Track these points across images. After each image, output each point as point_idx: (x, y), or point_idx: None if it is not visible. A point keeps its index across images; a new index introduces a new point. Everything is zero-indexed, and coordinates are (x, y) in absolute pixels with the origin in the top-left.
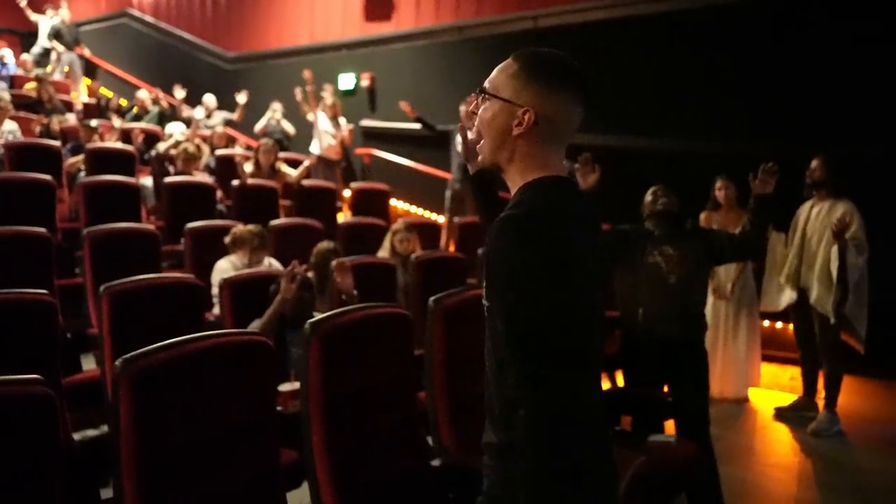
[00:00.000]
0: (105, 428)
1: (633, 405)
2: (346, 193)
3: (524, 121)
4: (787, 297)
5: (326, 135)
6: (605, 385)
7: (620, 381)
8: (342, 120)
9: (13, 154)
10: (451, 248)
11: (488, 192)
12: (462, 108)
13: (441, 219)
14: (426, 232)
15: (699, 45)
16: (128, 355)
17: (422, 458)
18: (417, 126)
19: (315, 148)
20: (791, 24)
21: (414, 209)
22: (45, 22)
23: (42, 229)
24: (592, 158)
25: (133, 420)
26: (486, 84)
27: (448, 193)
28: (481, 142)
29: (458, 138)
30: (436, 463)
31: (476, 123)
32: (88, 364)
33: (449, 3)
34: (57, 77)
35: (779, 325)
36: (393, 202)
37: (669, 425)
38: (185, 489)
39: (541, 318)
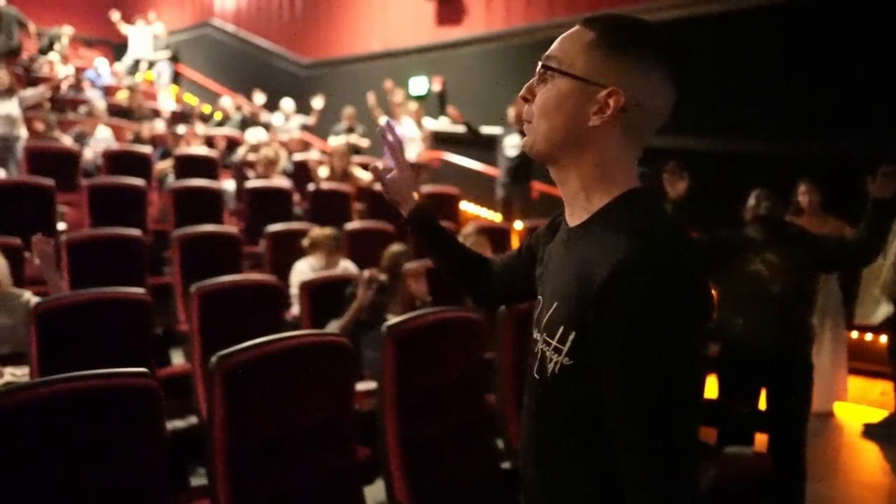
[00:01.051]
0: (192, 419)
1: (720, 417)
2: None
3: (609, 105)
4: (885, 310)
5: (412, 140)
6: None
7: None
8: (425, 121)
9: (109, 160)
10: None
11: (429, 232)
12: (511, 112)
13: (518, 224)
14: (496, 236)
15: (781, 40)
16: (222, 352)
17: (492, 459)
18: (483, 131)
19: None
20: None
21: (484, 212)
22: (135, 34)
23: (136, 231)
24: (681, 166)
25: (225, 412)
26: (551, 56)
27: (498, 195)
28: (532, 125)
29: (507, 141)
30: (506, 465)
31: (533, 109)
32: (175, 358)
33: (519, 6)
34: (163, 80)
35: (868, 336)
36: (463, 205)
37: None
38: (270, 479)
39: (686, 403)
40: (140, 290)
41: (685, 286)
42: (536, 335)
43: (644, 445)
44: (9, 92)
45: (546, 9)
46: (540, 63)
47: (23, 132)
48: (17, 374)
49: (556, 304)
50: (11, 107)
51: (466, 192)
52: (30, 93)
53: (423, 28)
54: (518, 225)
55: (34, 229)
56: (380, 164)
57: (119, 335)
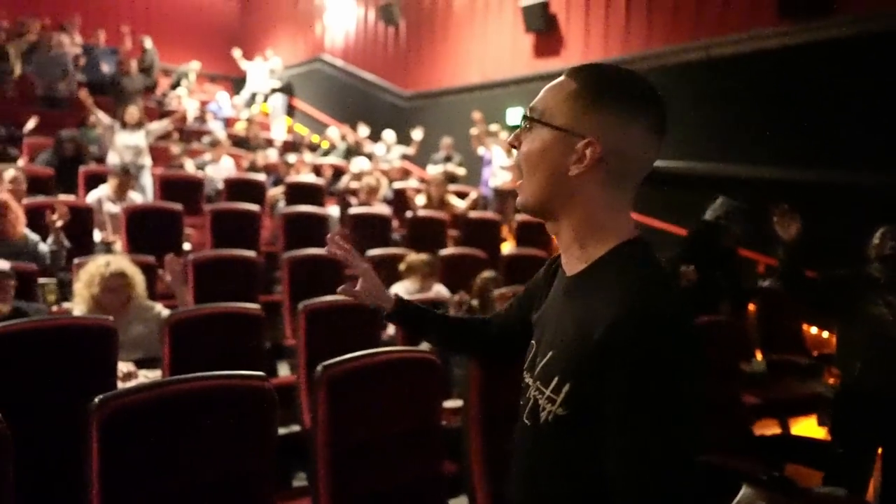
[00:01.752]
0: (294, 427)
1: (826, 459)
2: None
3: (585, 156)
4: None
5: (501, 169)
6: (775, 430)
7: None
8: (515, 150)
9: (230, 187)
10: None
11: (414, 322)
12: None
13: None
14: None
15: (886, 69)
16: (327, 362)
17: None
18: None
19: (492, 181)
20: None
21: None
22: (253, 69)
23: (251, 253)
24: (792, 207)
25: (327, 416)
26: (534, 106)
27: None
28: (520, 182)
29: None
30: None
31: (519, 158)
32: (280, 370)
33: (617, 37)
34: (277, 112)
35: None
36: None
37: None
38: (363, 481)
39: (685, 456)
40: (255, 306)
41: (684, 340)
42: (528, 380)
43: (642, 496)
44: (138, 125)
45: (644, 38)
46: (523, 112)
47: (147, 161)
48: (149, 375)
49: (551, 352)
50: (139, 138)
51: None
52: (155, 126)
53: (520, 60)
54: None
55: (164, 249)
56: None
57: (236, 345)
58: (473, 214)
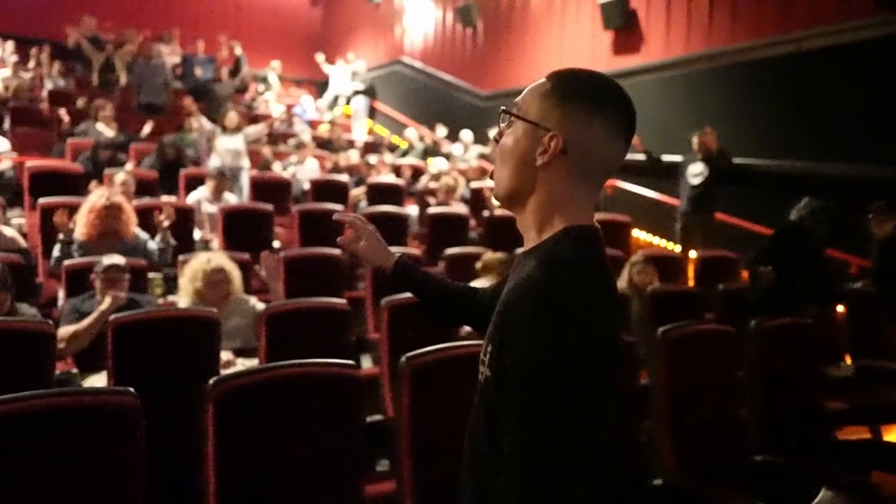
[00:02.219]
0: (377, 417)
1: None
2: None
3: (549, 147)
4: None
5: None
6: (863, 435)
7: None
8: None
9: (315, 188)
10: (690, 282)
11: (413, 283)
12: (695, 140)
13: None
14: (666, 264)
15: None
16: (410, 354)
17: (643, 475)
18: (659, 158)
19: None
20: None
21: (657, 240)
22: (335, 72)
23: (336, 251)
24: (887, 206)
25: (410, 403)
26: (515, 103)
27: (677, 225)
28: (495, 174)
29: (690, 169)
30: (657, 482)
31: (497, 151)
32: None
33: (700, 32)
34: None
35: None
36: (635, 233)
37: None
38: (445, 469)
39: (564, 430)
40: (342, 301)
41: (563, 306)
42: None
43: (519, 452)
44: (237, 129)
45: (728, 32)
46: (502, 108)
47: (245, 163)
48: (246, 364)
49: (490, 322)
50: (238, 142)
51: (638, 219)
52: (252, 130)
53: (598, 57)
54: (693, 254)
55: (256, 247)
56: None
57: (324, 337)
58: None
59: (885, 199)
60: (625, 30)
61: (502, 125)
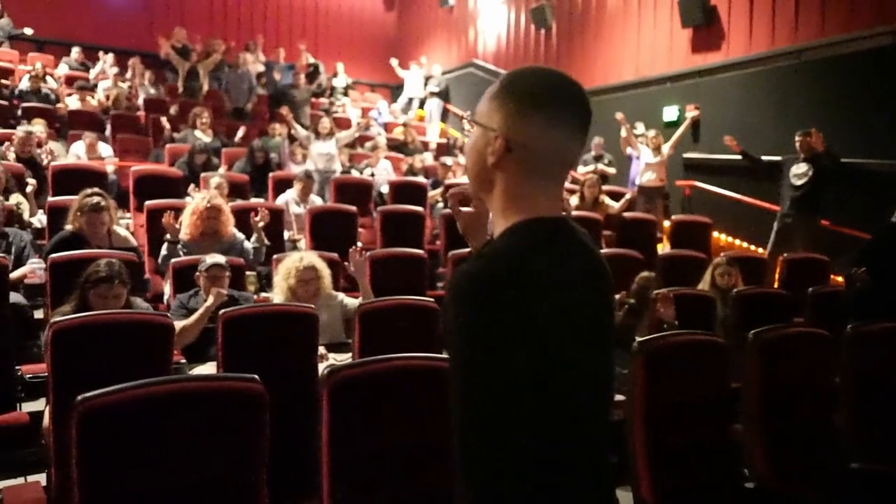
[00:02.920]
0: None
1: None
2: (666, 224)
3: (495, 147)
4: None
5: (648, 167)
6: None
7: None
8: (664, 148)
9: (395, 189)
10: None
11: None
12: (798, 139)
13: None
14: (749, 266)
15: None
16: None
17: (735, 478)
18: (759, 158)
19: (638, 180)
20: None
21: (738, 242)
22: (409, 76)
23: (420, 251)
24: None
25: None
26: (475, 109)
27: (776, 226)
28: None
29: (793, 170)
30: (749, 485)
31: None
32: None
33: (785, 27)
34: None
35: None
36: (715, 235)
37: None
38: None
39: (491, 399)
40: (430, 299)
41: (474, 294)
42: None
43: (459, 447)
44: (330, 134)
45: (817, 27)
46: (463, 115)
47: (338, 167)
48: (338, 358)
49: None
50: (330, 146)
51: (719, 221)
52: (343, 134)
53: (677, 55)
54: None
55: (341, 247)
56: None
57: (413, 332)
58: (628, 215)
59: None
60: (704, 27)
61: (467, 129)
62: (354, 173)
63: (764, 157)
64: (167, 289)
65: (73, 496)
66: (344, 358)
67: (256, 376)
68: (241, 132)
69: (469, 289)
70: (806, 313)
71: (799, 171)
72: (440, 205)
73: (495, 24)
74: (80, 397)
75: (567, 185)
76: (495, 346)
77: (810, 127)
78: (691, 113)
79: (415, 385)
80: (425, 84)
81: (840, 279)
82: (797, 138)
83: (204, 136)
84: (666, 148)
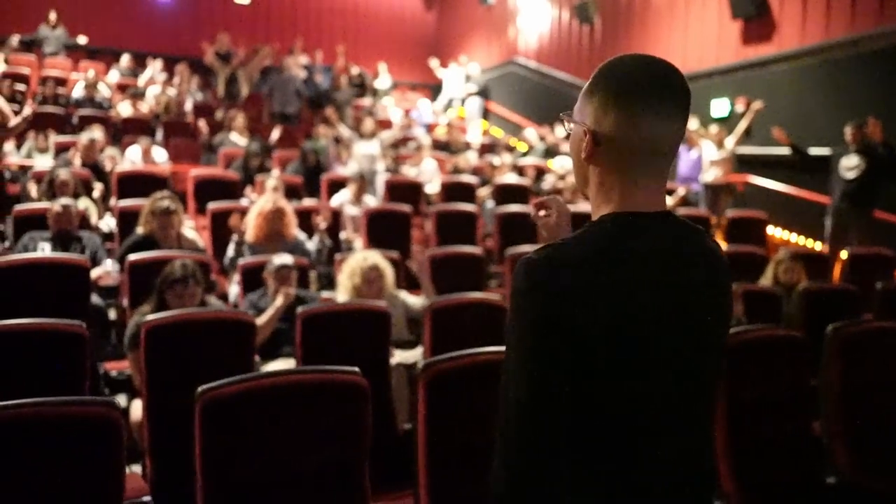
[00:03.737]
0: None
1: None
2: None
3: (585, 143)
4: None
5: (712, 164)
6: None
7: None
8: (727, 142)
9: (445, 189)
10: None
11: None
12: (848, 131)
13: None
14: (811, 262)
15: None
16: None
17: (816, 472)
18: (806, 151)
19: (702, 177)
20: None
21: (793, 237)
22: (448, 76)
23: (475, 249)
24: None
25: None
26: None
27: (828, 221)
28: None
29: (843, 162)
30: (831, 480)
31: None
32: None
33: (842, 15)
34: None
35: None
36: (770, 230)
37: None
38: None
39: (531, 382)
40: (496, 297)
41: (541, 282)
42: None
43: (499, 442)
44: (372, 135)
45: (875, 15)
46: (562, 114)
47: (381, 167)
48: (404, 355)
49: None
50: (373, 147)
51: (775, 216)
52: (386, 135)
53: (726, 48)
54: (844, 254)
55: (396, 246)
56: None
57: (481, 329)
58: (682, 211)
59: None
60: (755, 18)
61: (567, 127)
62: (409, 173)
63: (812, 150)
64: (234, 289)
65: (195, 482)
66: (410, 355)
67: (357, 369)
68: (275, 133)
69: (523, 274)
70: (874, 309)
71: (850, 164)
72: (489, 203)
73: (537, 21)
74: (201, 388)
75: None
76: (538, 339)
77: (866, 119)
78: (755, 105)
79: (480, 380)
80: (465, 83)
81: None
82: (848, 129)
83: (240, 139)
84: (730, 142)
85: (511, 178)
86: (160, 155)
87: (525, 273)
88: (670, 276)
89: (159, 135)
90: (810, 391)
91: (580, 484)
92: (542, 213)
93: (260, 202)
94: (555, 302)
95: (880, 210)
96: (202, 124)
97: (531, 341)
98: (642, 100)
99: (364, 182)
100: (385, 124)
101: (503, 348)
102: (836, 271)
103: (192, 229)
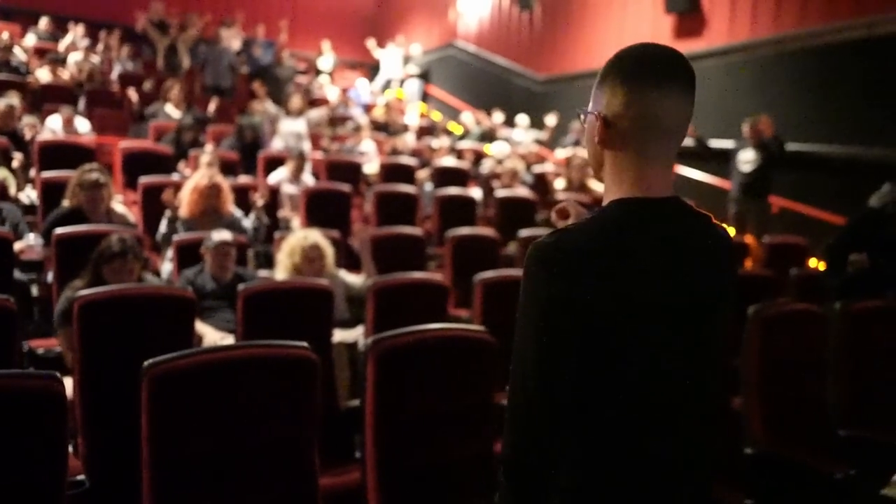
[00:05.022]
0: None
1: None
2: None
3: (597, 127)
4: None
5: None
6: None
7: None
8: None
9: (384, 170)
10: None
11: None
12: (746, 127)
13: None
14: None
15: None
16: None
17: (736, 444)
18: (713, 145)
19: None
20: None
21: None
22: (386, 56)
23: (416, 230)
24: None
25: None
26: None
27: (731, 211)
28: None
29: (741, 156)
30: (748, 450)
31: None
32: None
33: (767, 15)
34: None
35: None
36: None
37: None
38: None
39: (537, 359)
40: (439, 277)
41: (550, 264)
42: None
43: (511, 375)
44: (299, 112)
45: (797, 16)
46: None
47: (307, 146)
48: (344, 334)
49: None
50: (300, 125)
51: (698, 205)
52: (315, 113)
53: (659, 41)
54: (750, 239)
55: (336, 225)
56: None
57: (423, 310)
58: None
59: None
60: (687, 13)
61: (582, 120)
62: (349, 153)
63: (721, 143)
64: (167, 266)
65: (133, 459)
66: (349, 334)
67: (307, 344)
68: (212, 105)
69: (533, 256)
70: (790, 294)
71: (747, 158)
72: (428, 186)
73: (477, 5)
74: (148, 362)
75: (550, 167)
76: (545, 319)
77: (793, 115)
78: None
79: (454, 354)
80: (404, 64)
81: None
82: (745, 125)
83: (175, 111)
84: None
85: (450, 162)
86: (83, 125)
87: (535, 255)
88: (674, 263)
89: (82, 104)
90: (732, 370)
91: (579, 465)
92: (561, 219)
93: (195, 177)
94: (563, 283)
95: (784, 198)
96: (131, 93)
97: (539, 321)
98: (648, 77)
99: (303, 160)
100: (322, 103)
101: (449, 326)
102: (748, 259)
103: (121, 204)
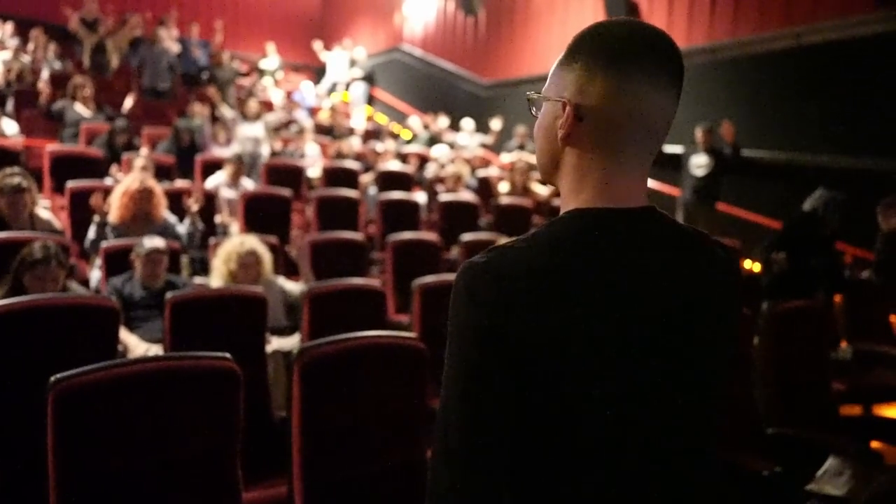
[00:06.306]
0: None
1: None
2: None
3: (565, 118)
4: None
5: None
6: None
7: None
8: None
9: (327, 174)
10: None
11: None
12: (698, 132)
13: None
14: None
15: None
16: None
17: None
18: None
19: None
20: None
21: None
22: (332, 59)
23: (359, 235)
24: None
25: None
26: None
27: (679, 213)
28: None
29: (693, 160)
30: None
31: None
32: None
33: (702, 24)
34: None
35: None
36: None
37: None
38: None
39: (466, 392)
40: (376, 283)
41: (478, 290)
42: None
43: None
44: (256, 117)
45: (730, 25)
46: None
47: (265, 150)
48: (281, 342)
49: None
50: (258, 129)
51: None
52: (272, 117)
53: None
54: None
55: (275, 231)
56: None
57: (360, 317)
58: (557, 201)
59: (894, 194)
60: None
61: (533, 111)
62: (293, 157)
63: (669, 149)
64: (96, 273)
65: (48, 477)
66: (287, 342)
67: (228, 355)
68: (128, 101)
69: (460, 279)
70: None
71: (700, 163)
72: (372, 190)
73: (423, 9)
74: (54, 377)
75: (495, 171)
76: (471, 352)
77: (721, 121)
78: None
79: (383, 362)
80: (350, 67)
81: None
82: (699, 131)
83: (85, 111)
84: None
85: (394, 166)
86: (10, 127)
87: (462, 279)
88: (644, 286)
89: (10, 105)
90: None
91: None
92: None
93: (126, 181)
94: (490, 312)
95: (725, 203)
96: (42, 86)
97: (464, 355)
98: (636, 63)
99: (242, 164)
100: (265, 106)
101: (379, 333)
102: None
103: (46, 209)
